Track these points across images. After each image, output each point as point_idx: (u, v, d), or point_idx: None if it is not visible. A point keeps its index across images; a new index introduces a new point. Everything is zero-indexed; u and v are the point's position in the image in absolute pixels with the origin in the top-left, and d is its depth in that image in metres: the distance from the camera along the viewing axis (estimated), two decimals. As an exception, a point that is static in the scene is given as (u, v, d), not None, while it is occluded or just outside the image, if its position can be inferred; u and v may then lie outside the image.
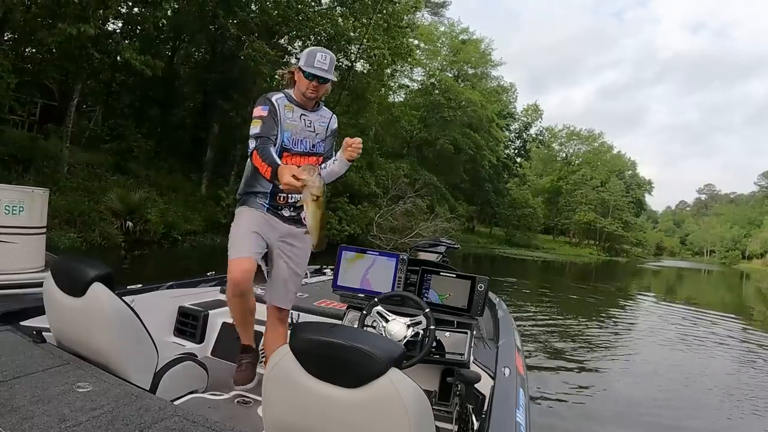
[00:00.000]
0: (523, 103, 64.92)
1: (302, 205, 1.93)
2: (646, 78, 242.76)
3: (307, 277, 3.60)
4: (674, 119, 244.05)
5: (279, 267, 2.25)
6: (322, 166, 2.22)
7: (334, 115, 2.34)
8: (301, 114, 2.21)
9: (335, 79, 2.19)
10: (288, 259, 2.26)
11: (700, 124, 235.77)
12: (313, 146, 2.23)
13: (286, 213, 2.24)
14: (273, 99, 2.16)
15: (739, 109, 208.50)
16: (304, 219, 1.98)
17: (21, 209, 3.95)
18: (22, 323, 1.93)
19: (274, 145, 2.11)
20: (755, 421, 4.86)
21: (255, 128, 2.08)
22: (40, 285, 1.80)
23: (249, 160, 2.11)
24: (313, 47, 2.19)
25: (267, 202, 2.20)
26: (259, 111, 2.12)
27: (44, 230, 4.28)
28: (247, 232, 2.12)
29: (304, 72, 2.13)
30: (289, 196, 2.18)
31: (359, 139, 2.10)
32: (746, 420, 4.86)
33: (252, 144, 2.06)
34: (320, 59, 2.12)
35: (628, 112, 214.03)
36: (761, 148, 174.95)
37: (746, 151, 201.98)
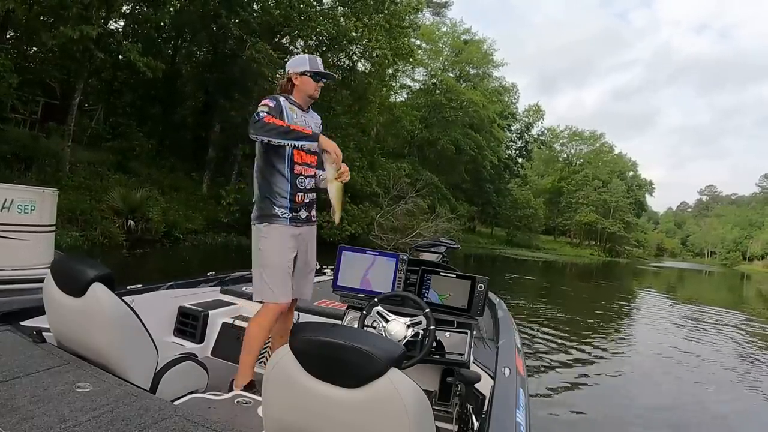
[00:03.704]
0: (526, 104, 64.69)
1: (312, 203, 2.40)
2: (657, 80, 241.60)
3: None
4: (685, 121, 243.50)
5: (303, 264, 2.43)
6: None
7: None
8: (302, 115, 2.37)
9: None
10: (310, 256, 2.47)
11: (710, 126, 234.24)
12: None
13: (303, 215, 2.38)
14: (279, 98, 2.30)
15: (750, 111, 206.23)
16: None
17: (32, 208, 4.10)
18: (22, 323, 1.92)
19: None
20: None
21: (263, 108, 2.16)
22: None
23: (262, 151, 2.27)
24: (303, 54, 2.43)
25: (288, 208, 2.29)
26: (266, 101, 2.22)
27: (53, 228, 4.42)
28: (284, 270, 2.28)
29: (312, 75, 2.33)
30: (305, 195, 2.35)
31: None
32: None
33: (263, 112, 2.12)
34: (320, 63, 2.39)
35: (638, 114, 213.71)
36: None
37: (753, 153, 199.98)
